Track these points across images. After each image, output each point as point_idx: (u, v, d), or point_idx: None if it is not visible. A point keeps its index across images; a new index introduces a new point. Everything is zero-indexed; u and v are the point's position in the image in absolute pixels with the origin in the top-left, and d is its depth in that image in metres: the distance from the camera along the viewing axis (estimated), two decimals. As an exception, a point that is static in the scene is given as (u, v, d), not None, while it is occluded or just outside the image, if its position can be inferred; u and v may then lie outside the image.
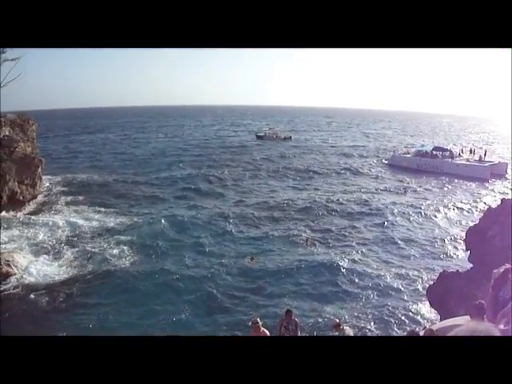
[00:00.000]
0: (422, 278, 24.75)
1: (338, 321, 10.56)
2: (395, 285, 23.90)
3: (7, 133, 38.17)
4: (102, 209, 38.80)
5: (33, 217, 35.50)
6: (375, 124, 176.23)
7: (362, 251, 28.88)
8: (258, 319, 10.57)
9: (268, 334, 10.37)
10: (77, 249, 28.87)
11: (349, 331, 10.13)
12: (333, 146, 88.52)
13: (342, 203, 41.34)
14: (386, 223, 35.15)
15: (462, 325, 6.23)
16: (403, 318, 20.58)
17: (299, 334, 10.98)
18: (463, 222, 34.82)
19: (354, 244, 30.37)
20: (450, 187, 49.52)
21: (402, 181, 53.23)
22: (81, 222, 34.57)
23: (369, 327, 19.60)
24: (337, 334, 10.18)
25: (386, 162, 68.40)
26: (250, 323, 10.65)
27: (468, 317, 6.66)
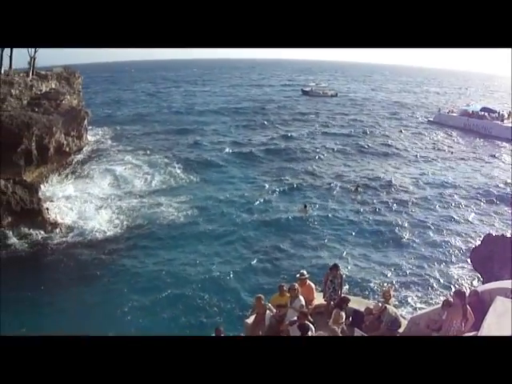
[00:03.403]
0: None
1: (390, 290, 10.18)
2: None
3: (53, 86, 39.18)
4: (146, 164, 38.58)
5: (79, 169, 36.71)
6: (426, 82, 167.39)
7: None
8: (305, 272, 10.60)
9: (313, 287, 10.48)
10: (123, 202, 29.67)
11: (393, 310, 9.29)
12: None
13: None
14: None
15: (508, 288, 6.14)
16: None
17: (343, 289, 11.04)
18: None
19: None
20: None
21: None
22: (127, 174, 35.40)
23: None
24: (379, 303, 9.76)
25: (432, 119, 65.89)
26: (297, 275, 10.71)
27: None
